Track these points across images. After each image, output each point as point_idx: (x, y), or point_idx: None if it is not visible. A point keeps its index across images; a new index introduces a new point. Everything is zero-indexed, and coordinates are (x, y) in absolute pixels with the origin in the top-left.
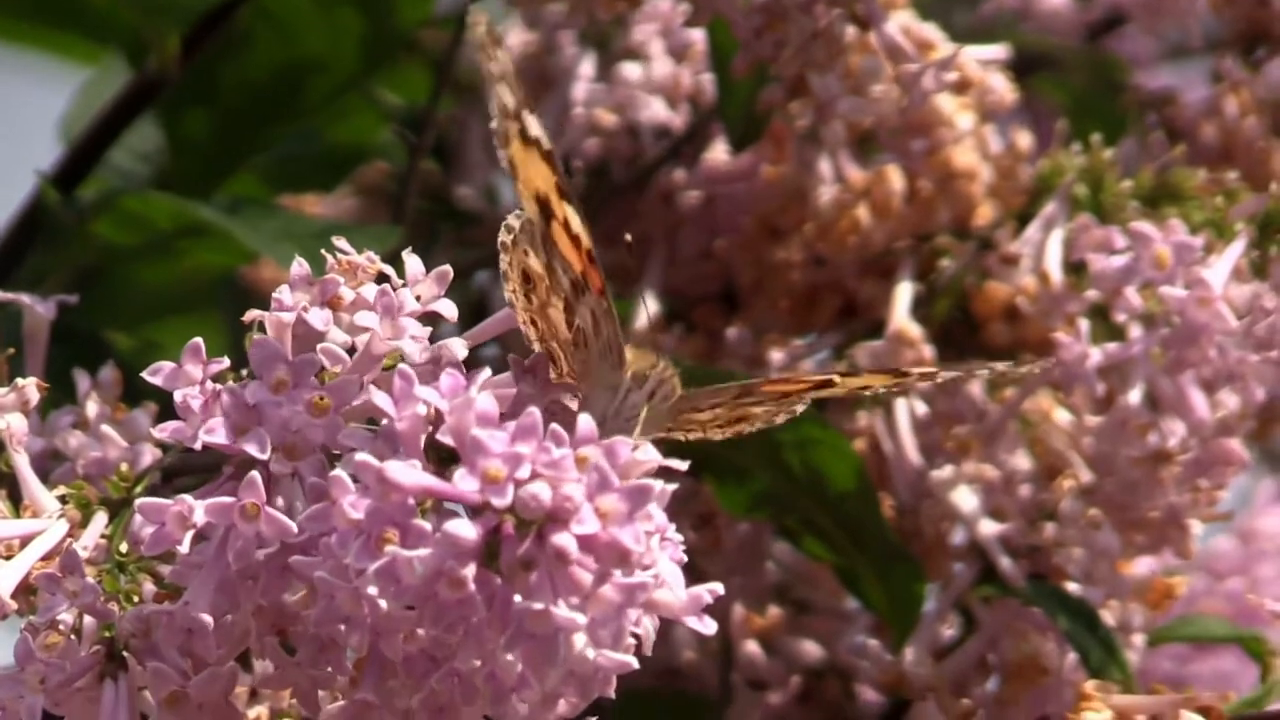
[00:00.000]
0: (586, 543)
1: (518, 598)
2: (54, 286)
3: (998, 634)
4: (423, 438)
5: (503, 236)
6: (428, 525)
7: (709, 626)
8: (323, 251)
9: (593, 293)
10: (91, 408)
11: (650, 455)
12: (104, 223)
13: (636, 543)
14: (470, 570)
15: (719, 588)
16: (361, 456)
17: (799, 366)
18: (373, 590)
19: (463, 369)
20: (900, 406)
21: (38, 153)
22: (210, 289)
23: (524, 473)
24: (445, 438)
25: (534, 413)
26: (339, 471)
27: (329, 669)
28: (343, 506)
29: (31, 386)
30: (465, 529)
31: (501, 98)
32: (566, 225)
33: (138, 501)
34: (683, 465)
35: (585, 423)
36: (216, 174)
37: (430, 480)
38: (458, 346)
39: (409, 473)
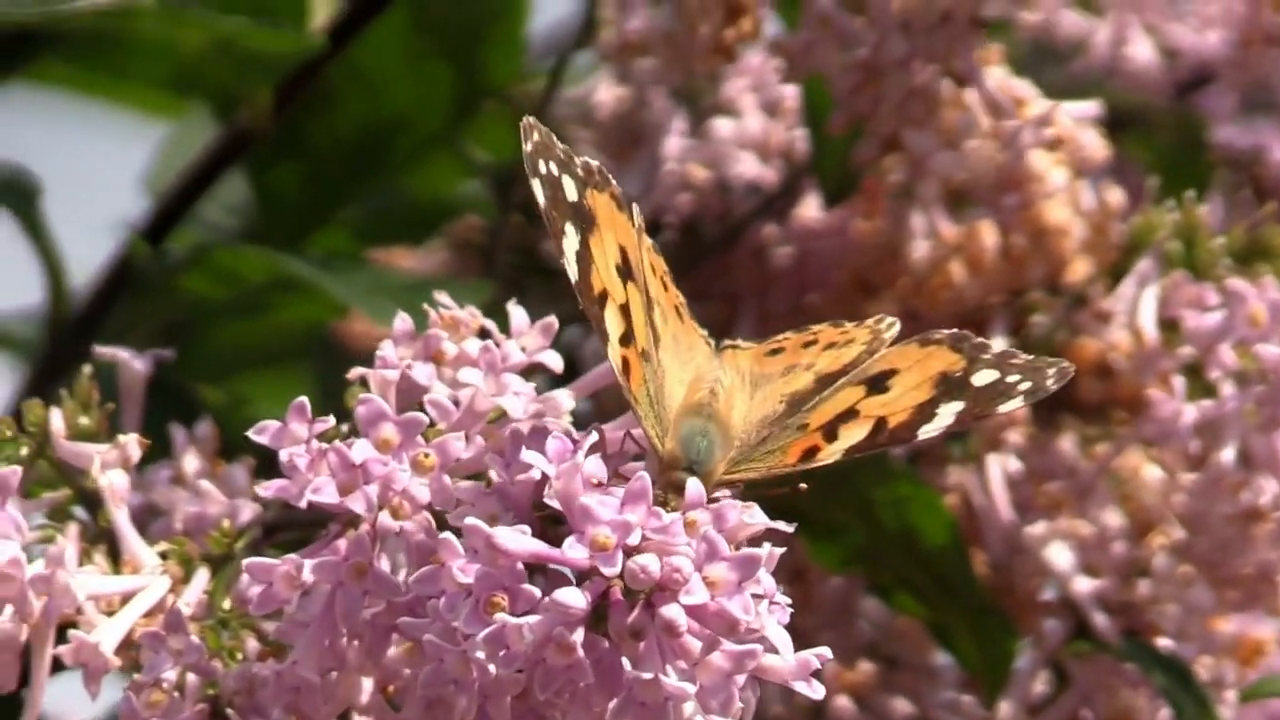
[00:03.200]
0: (695, 613)
1: (627, 664)
2: (140, 341)
3: (1091, 690)
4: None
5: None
6: (537, 591)
7: (818, 691)
8: (425, 306)
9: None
10: (190, 463)
11: (758, 518)
12: (194, 276)
13: (746, 612)
14: (579, 637)
15: (827, 652)
16: (471, 521)
17: None
18: (481, 655)
19: (570, 426)
20: (992, 462)
21: (114, 207)
22: (299, 343)
23: (633, 540)
24: (553, 501)
25: (643, 478)
26: (448, 535)
27: None
28: (452, 570)
29: (133, 443)
30: (574, 597)
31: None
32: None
33: (245, 561)
34: (789, 528)
35: (694, 487)
36: (305, 228)
37: (539, 547)
38: (564, 398)
39: (519, 539)
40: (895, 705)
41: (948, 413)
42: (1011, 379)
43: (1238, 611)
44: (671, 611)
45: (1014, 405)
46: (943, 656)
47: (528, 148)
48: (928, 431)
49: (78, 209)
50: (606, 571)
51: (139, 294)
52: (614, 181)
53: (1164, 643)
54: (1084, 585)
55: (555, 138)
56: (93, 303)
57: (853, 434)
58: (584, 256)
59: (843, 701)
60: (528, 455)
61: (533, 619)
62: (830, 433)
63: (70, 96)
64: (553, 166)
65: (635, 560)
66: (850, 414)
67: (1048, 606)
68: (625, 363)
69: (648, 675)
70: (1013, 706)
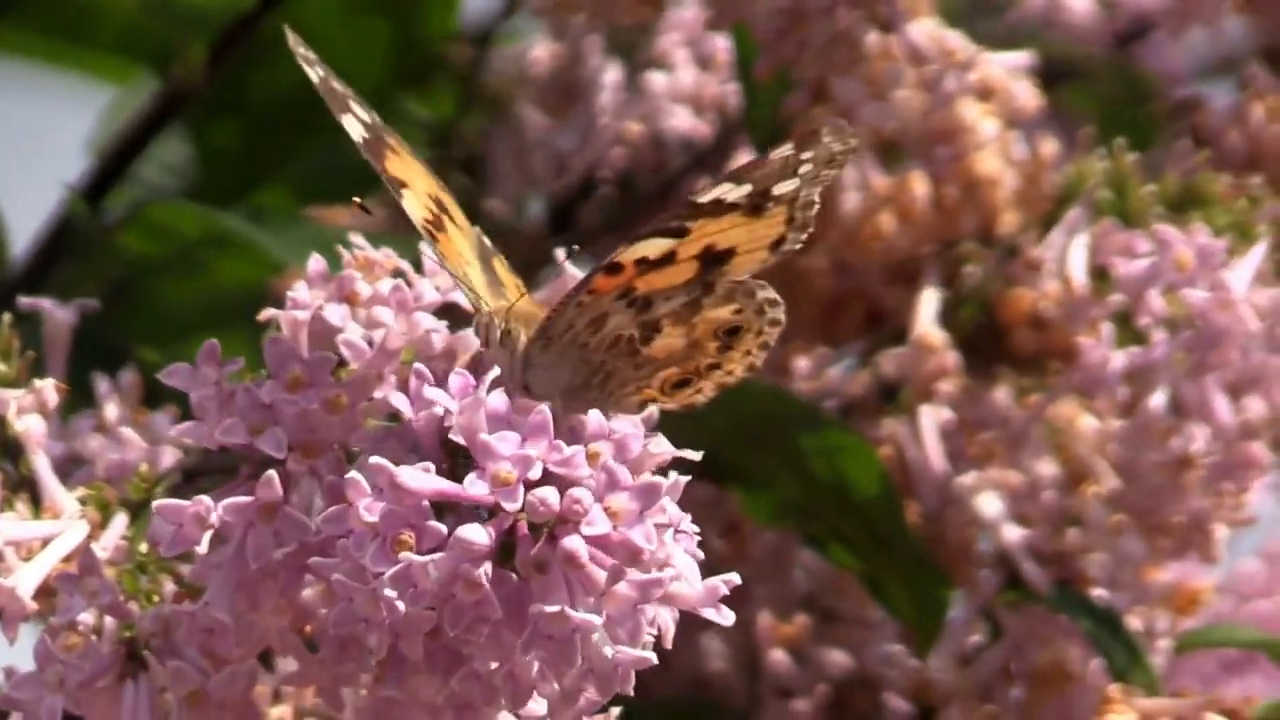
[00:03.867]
0: (598, 543)
1: (534, 600)
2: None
3: (1023, 640)
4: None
5: None
6: (443, 528)
7: (727, 617)
8: (338, 248)
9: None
10: (111, 410)
11: (663, 447)
12: (131, 234)
13: (648, 541)
14: (485, 572)
15: (735, 578)
16: (375, 460)
17: (824, 374)
18: (390, 593)
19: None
20: (925, 413)
21: (66, 174)
22: (239, 303)
23: (535, 473)
24: (457, 437)
25: (544, 411)
26: (355, 474)
27: (352, 666)
28: (358, 510)
29: (50, 388)
30: (477, 533)
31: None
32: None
33: (155, 503)
34: (696, 455)
35: (596, 418)
36: (245, 185)
37: (442, 484)
38: (474, 339)
39: (422, 477)
40: (832, 658)
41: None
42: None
43: (1171, 560)
44: (573, 543)
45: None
46: (880, 609)
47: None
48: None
49: (28, 178)
50: (508, 506)
51: (78, 254)
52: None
53: (1097, 593)
54: (1015, 535)
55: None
56: (33, 263)
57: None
58: (377, 148)
59: (778, 655)
60: (430, 391)
61: (438, 556)
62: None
63: (24, 63)
64: (334, 82)
65: (535, 493)
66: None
67: (980, 557)
68: (435, 222)
69: (553, 608)
70: (946, 657)
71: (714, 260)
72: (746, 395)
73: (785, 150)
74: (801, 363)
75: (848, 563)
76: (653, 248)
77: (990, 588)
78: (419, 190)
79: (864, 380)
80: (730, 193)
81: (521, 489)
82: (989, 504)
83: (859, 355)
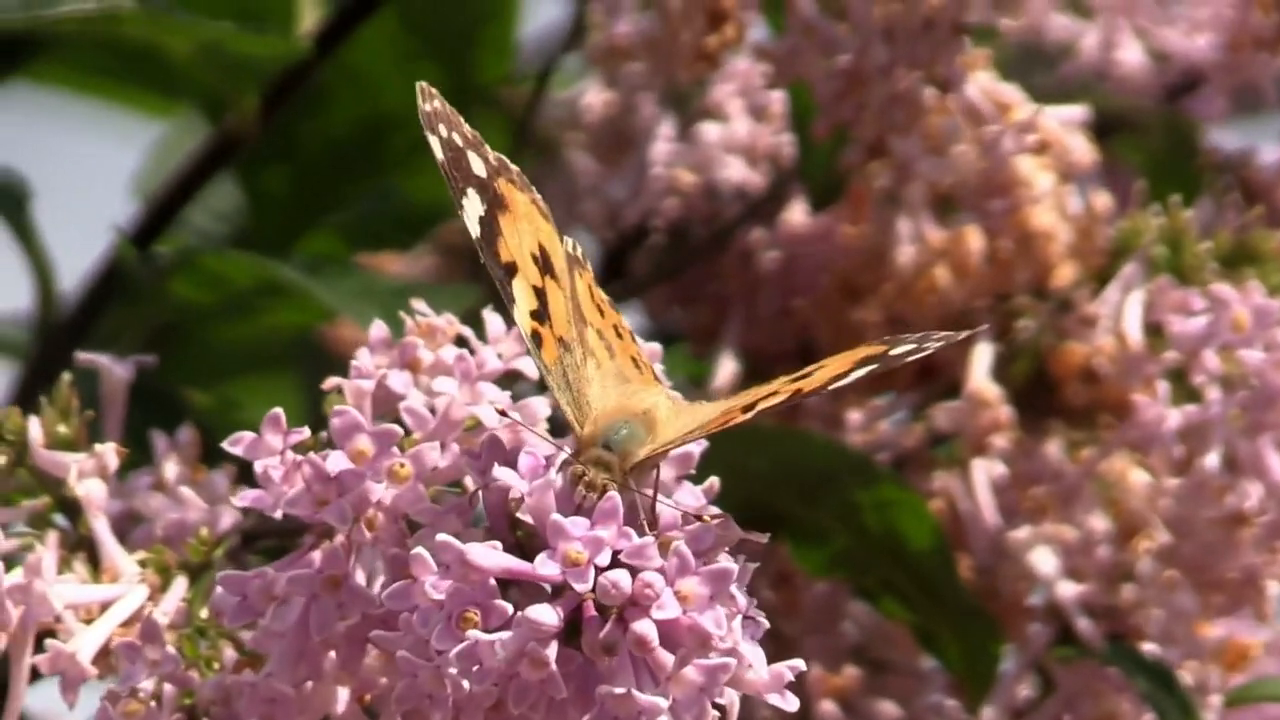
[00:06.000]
0: (667, 628)
1: (600, 681)
2: (130, 345)
3: (1075, 694)
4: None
5: None
6: (509, 607)
7: (791, 703)
8: (401, 313)
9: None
10: (170, 469)
11: (731, 530)
12: (182, 281)
13: (718, 627)
14: (552, 651)
15: (800, 664)
16: (443, 537)
17: (877, 427)
18: (454, 670)
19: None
20: (978, 466)
21: (107, 208)
22: (287, 348)
23: (604, 559)
24: (525, 517)
25: (614, 497)
26: (420, 550)
27: None
28: (424, 586)
29: (111, 452)
30: (546, 614)
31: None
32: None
33: (218, 574)
34: (763, 537)
35: (669, 511)
36: (295, 231)
37: (512, 562)
38: (540, 406)
39: (492, 555)
40: (882, 709)
41: (859, 371)
42: (926, 345)
43: (1223, 616)
44: (643, 626)
45: (914, 356)
46: (929, 660)
47: (426, 108)
48: (836, 384)
49: (73, 212)
50: (578, 587)
51: (127, 298)
52: (534, 189)
53: (1149, 648)
54: (1068, 590)
55: (462, 119)
56: (82, 307)
57: (768, 401)
58: (489, 225)
59: (828, 706)
60: (500, 473)
61: (505, 635)
62: (749, 407)
63: (66, 98)
64: (455, 137)
65: (607, 575)
66: (771, 394)
67: (1033, 611)
68: (536, 334)
69: (620, 690)
70: (997, 711)
71: None
72: (800, 447)
73: None
74: (854, 415)
75: (900, 615)
76: None
77: (1042, 641)
78: (526, 278)
79: (917, 433)
80: None
81: (592, 570)
82: (1042, 558)
83: (912, 408)
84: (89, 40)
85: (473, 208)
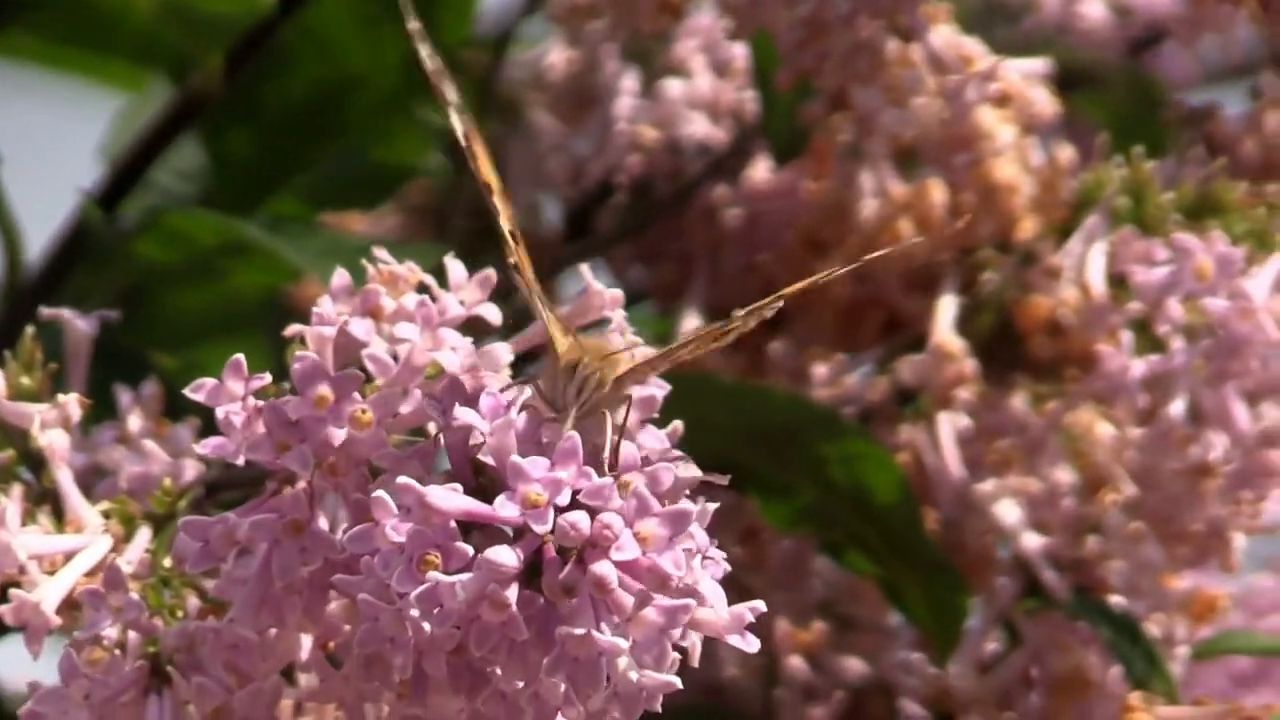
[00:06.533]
0: (627, 569)
1: (560, 623)
2: (97, 306)
3: (1042, 648)
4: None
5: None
6: (470, 548)
7: (752, 644)
8: (363, 262)
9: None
10: (134, 423)
11: (691, 472)
12: (147, 241)
13: (677, 567)
14: (512, 593)
15: (761, 605)
16: (403, 479)
17: (842, 381)
18: (415, 613)
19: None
20: (943, 420)
21: (78, 179)
22: (253, 310)
23: (564, 499)
24: (486, 458)
25: (574, 437)
26: (381, 493)
27: (376, 683)
28: (385, 529)
29: (73, 402)
30: (506, 555)
31: None
32: None
33: (181, 520)
34: (724, 480)
35: (629, 450)
36: (259, 192)
37: (472, 504)
38: (503, 352)
39: (451, 497)
40: (849, 664)
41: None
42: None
43: (1189, 568)
44: (602, 568)
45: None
46: (896, 615)
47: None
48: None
49: (43, 181)
50: (538, 528)
51: (93, 260)
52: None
53: (1115, 600)
54: (1034, 542)
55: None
56: (48, 269)
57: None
58: (468, 146)
59: (796, 661)
60: (461, 413)
61: (465, 577)
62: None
63: (37, 69)
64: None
65: (566, 517)
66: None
67: (999, 564)
68: (514, 236)
69: (580, 631)
70: (964, 665)
71: None
72: (765, 401)
73: None
74: (820, 369)
75: (866, 569)
76: None
77: (1009, 595)
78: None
79: (882, 387)
80: None
81: (551, 512)
82: (1008, 511)
83: (877, 362)
84: (58, 6)
85: (459, 124)
